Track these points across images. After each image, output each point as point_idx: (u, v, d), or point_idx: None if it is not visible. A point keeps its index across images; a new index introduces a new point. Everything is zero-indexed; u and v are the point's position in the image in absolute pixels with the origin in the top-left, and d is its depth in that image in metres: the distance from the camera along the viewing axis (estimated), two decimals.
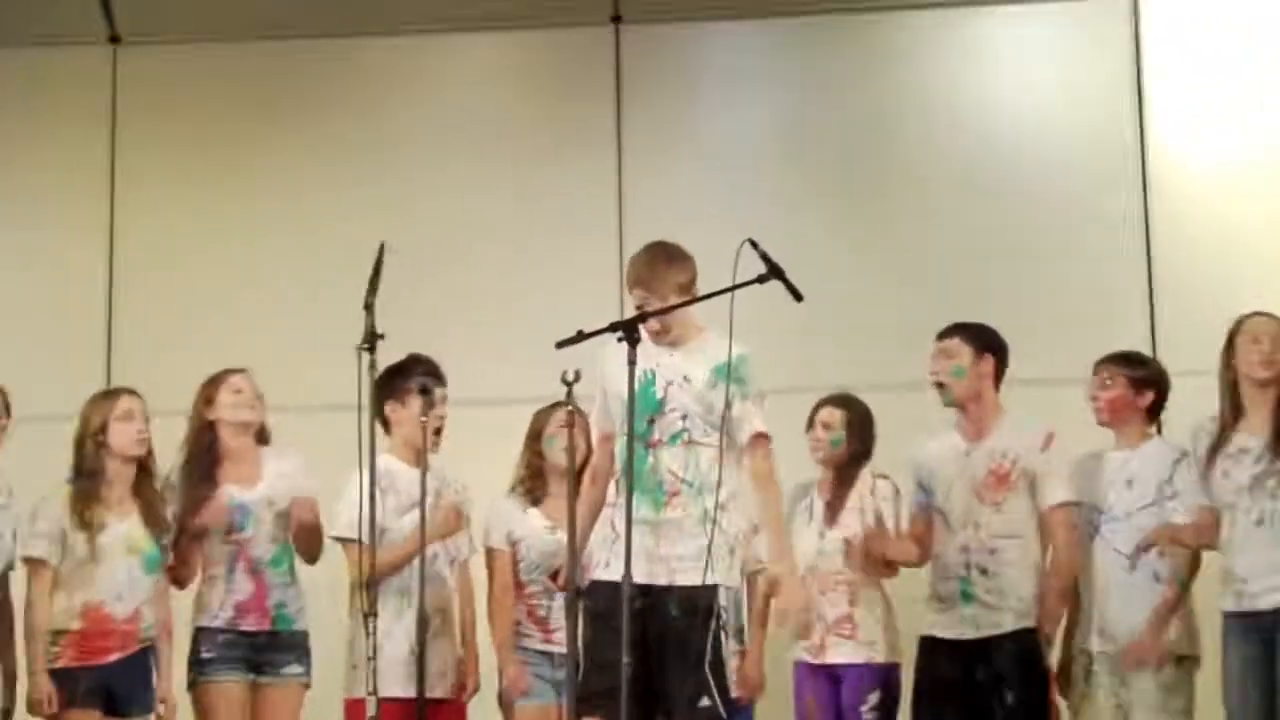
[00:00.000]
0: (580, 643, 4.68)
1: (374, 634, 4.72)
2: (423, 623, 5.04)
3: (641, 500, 4.53)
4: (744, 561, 5.02)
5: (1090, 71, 6.67)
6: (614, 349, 4.53)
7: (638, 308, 4.62)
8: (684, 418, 4.57)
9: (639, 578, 4.45)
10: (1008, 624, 5.17)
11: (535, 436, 5.60)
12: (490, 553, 5.56)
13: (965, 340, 5.33)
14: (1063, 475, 5.27)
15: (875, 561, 5.41)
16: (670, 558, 4.55)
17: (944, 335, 5.38)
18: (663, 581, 4.54)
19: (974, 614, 5.21)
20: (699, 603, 4.50)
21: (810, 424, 5.54)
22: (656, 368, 4.61)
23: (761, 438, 4.62)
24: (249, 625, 5.30)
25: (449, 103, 6.98)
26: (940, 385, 5.34)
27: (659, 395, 4.61)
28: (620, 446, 4.57)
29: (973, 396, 5.32)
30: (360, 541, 4.89)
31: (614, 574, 4.46)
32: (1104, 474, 5.29)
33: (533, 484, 5.56)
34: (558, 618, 5.41)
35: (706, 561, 4.46)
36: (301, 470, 5.44)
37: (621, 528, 4.42)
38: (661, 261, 4.65)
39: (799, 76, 6.85)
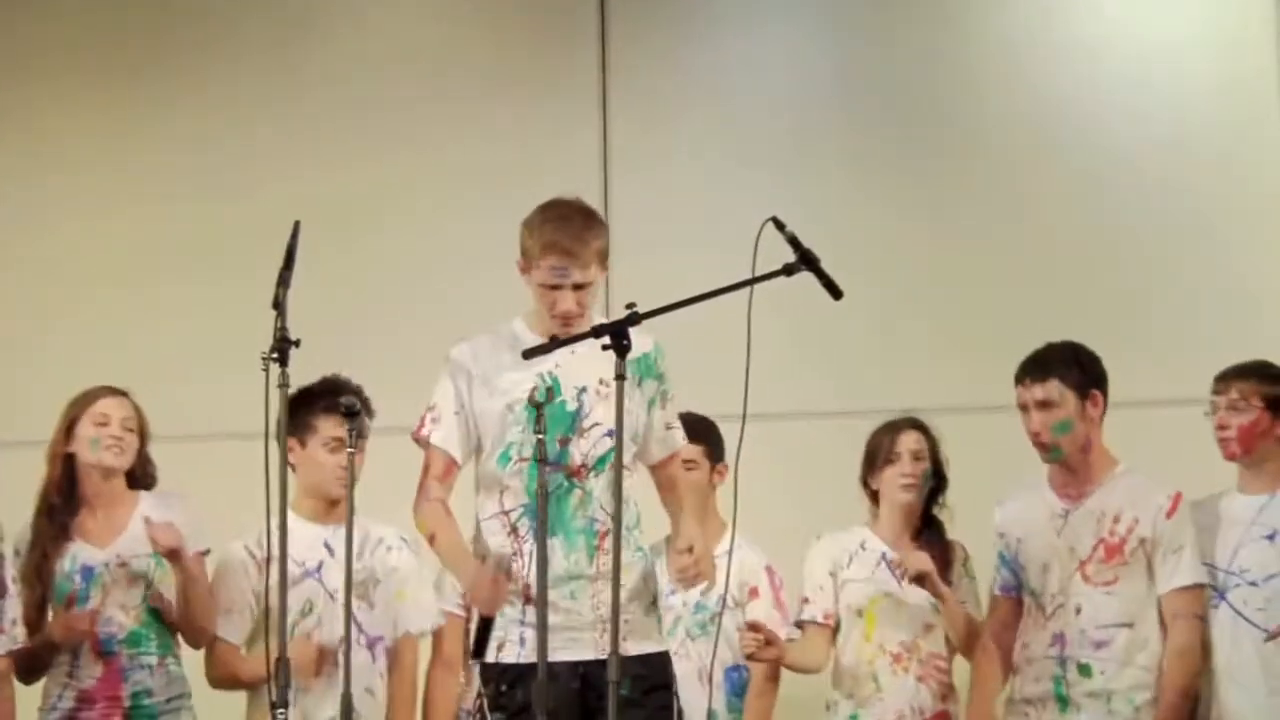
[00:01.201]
0: None
1: None
2: (347, 712, 4.73)
3: (566, 549, 4.40)
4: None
5: (1226, 12, 6.60)
6: (489, 342, 4.47)
7: (550, 287, 4.44)
8: (609, 434, 4.37)
9: (572, 653, 4.34)
10: None
11: None
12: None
13: (1065, 382, 5.13)
14: (1190, 549, 5.09)
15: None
16: (611, 621, 4.30)
17: (1033, 375, 5.16)
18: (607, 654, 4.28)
19: None
20: (654, 677, 4.39)
21: (885, 457, 5.39)
22: (556, 369, 4.43)
23: (680, 458, 4.64)
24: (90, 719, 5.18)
25: (383, 40, 6.99)
26: (1043, 445, 5.16)
27: (571, 406, 4.43)
28: (526, 479, 4.40)
29: (1080, 448, 5.17)
30: (266, 609, 4.70)
31: (534, 653, 4.24)
32: (1232, 524, 5.12)
33: None
34: None
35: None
36: (189, 523, 5.26)
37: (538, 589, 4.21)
38: (580, 222, 4.49)
39: (830, 7, 6.82)
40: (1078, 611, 5.10)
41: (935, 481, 5.41)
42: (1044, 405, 5.14)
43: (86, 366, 5.75)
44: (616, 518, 4.16)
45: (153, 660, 5.25)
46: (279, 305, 4.50)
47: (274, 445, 4.59)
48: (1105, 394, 5.20)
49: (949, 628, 5.30)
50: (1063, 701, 5.10)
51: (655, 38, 6.82)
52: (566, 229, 4.48)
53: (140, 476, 5.35)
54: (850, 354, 6.35)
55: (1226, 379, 5.18)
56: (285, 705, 4.49)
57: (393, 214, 6.76)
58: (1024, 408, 5.18)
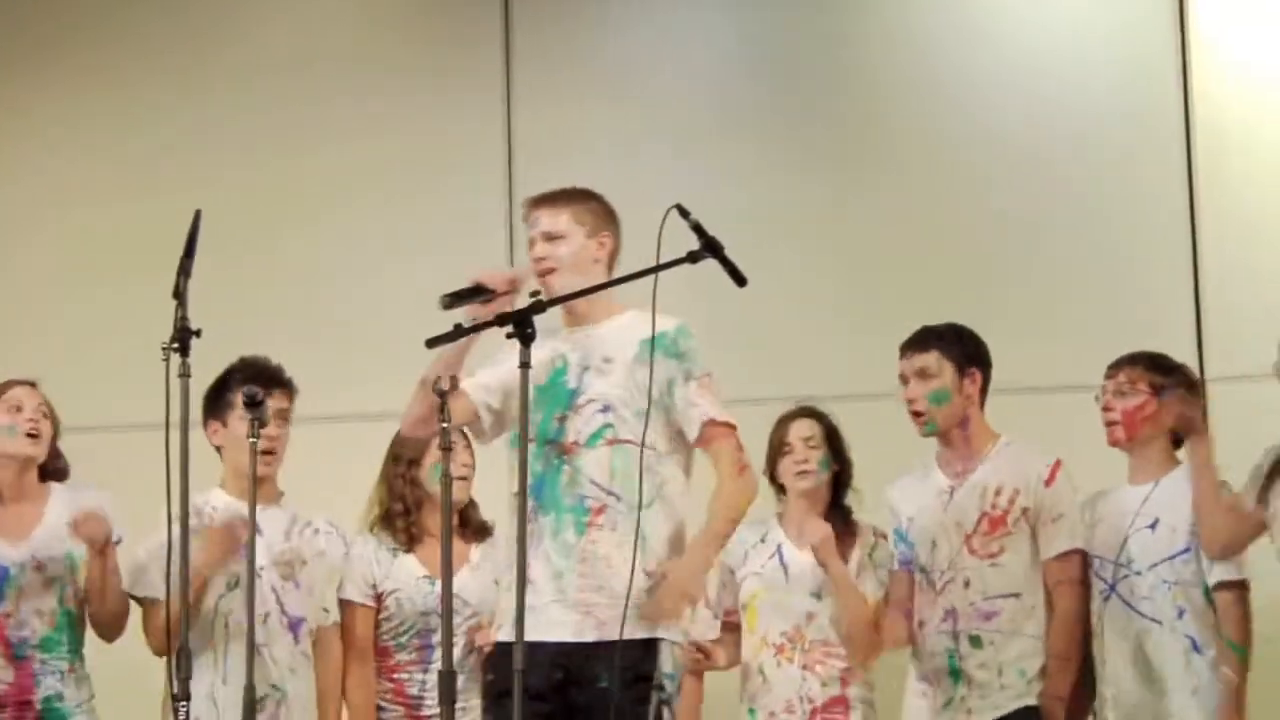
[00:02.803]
0: None
1: None
2: (250, 705, 4.73)
3: (556, 525, 4.42)
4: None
5: (1125, 5, 6.62)
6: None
7: (529, 243, 4.56)
8: (605, 409, 4.45)
9: (555, 635, 4.33)
10: (1006, 705, 5.08)
11: (407, 461, 5.44)
12: (346, 608, 5.41)
13: (945, 354, 5.21)
14: (1069, 516, 5.16)
15: (860, 646, 5.29)
16: (598, 604, 4.36)
17: (914, 347, 5.24)
18: (590, 637, 4.34)
19: (965, 696, 5.12)
20: (640, 667, 4.35)
21: (779, 448, 5.41)
22: (569, 352, 4.52)
23: (722, 426, 4.48)
24: None
25: (287, 35, 6.97)
26: (918, 414, 5.23)
27: (571, 385, 4.50)
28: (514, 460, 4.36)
29: (958, 423, 5.24)
30: (167, 600, 4.61)
31: (527, 634, 4.24)
32: (1121, 515, 5.17)
33: (405, 522, 5.43)
34: (433, 696, 5.23)
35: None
36: (83, 502, 5.22)
37: (535, 569, 4.27)
38: (559, 190, 4.60)
39: None
40: (966, 585, 5.14)
41: (838, 467, 5.41)
42: (922, 375, 5.20)
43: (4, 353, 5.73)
44: (521, 503, 4.12)
45: (64, 664, 5.22)
46: (179, 295, 4.49)
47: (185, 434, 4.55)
48: (985, 374, 5.26)
49: (837, 605, 5.27)
50: (955, 675, 5.14)
51: (559, 26, 6.81)
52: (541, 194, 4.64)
53: (52, 469, 5.32)
54: (760, 340, 6.35)
55: (1118, 365, 5.24)
56: (187, 698, 4.47)
57: (300, 208, 6.76)
58: (904, 379, 5.24)
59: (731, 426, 4.50)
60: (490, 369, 4.57)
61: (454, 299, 4.35)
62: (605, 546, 4.40)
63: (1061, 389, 5.99)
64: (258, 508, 4.95)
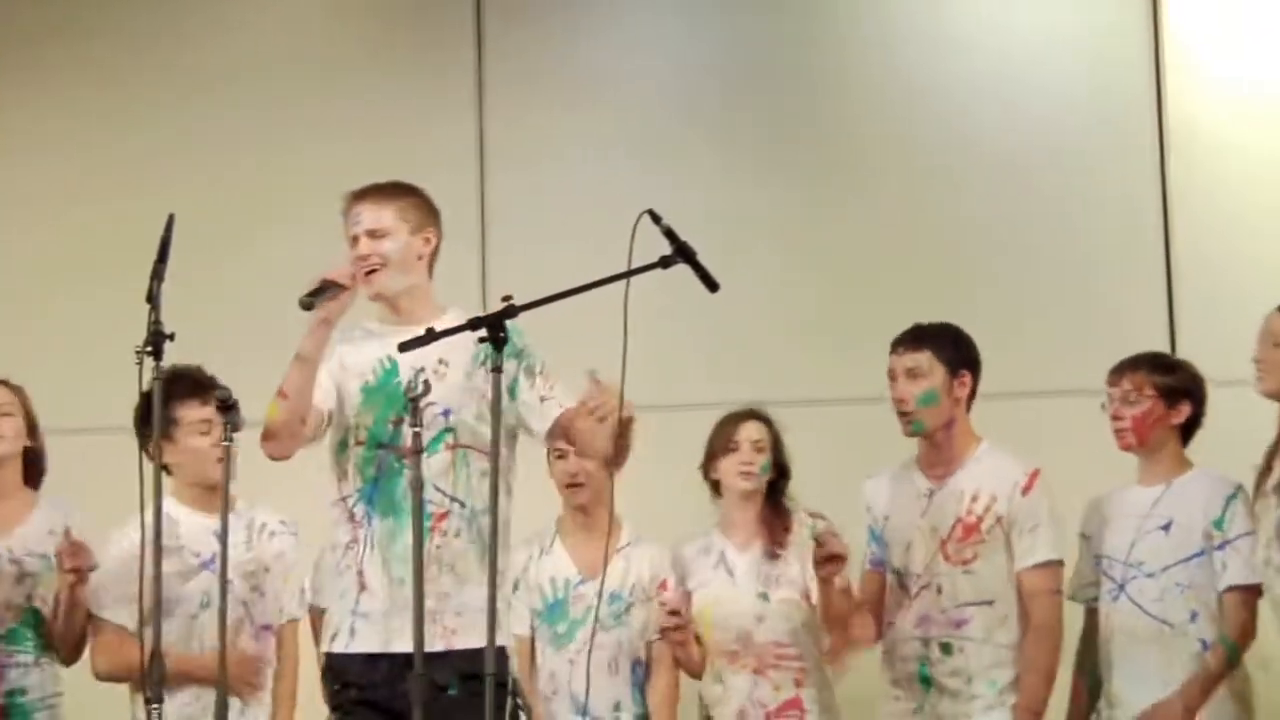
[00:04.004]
0: None
1: None
2: (222, 705, 4.68)
3: (395, 530, 4.35)
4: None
5: (1099, 8, 6.61)
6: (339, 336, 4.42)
7: (352, 240, 4.50)
8: (445, 413, 4.36)
9: (396, 644, 4.27)
10: (976, 716, 5.08)
11: None
12: (317, 616, 5.28)
13: (938, 355, 5.18)
14: (1046, 526, 5.12)
15: (830, 639, 5.26)
16: (443, 611, 4.30)
17: (906, 345, 5.20)
18: (439, 646, 4.26)
19: (935, 704, 5.11)
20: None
21: (724, 446, 5.36)
22: (397, 354, 4.35)
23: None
24: None
25: (257, 37, 6.93)
26: (905, 413, 5.20)
27: (405, 388, 4.33)
28: (361, 463, 4.38)
29: (944, 424, 5.21)
30: (140, 612, 4.63)
31: (363, 644, 4.30)
32: (1130, 516, 5.15)
33: None
34: None
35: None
36: (69, 517, 5.20)
37: (372, 576, 4.26)
38: (380, 184, 4.55)
39: None
40: (939, 591, 5.13)
41: (776, 473, 5.38)
42: (912, 374, 5.17)
43: None
44: (494, 509, 4.11)
45: (29, 658, 5.18)
46: (153, 299, 4.48)
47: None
48: (975, 377, 5.23)
49: (822, 612, 5.23)
50: (926, 682, 5.13)
51: (531, 30, 6.78)
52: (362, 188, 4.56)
53: (31, 469, 5.29)
54: (729, 345, 6.35)
55: (1120, 371, 5.21)
56: (160, 700, 4.47)
57: (268, 211, 6.68)
58: (893, 376, 5.21)
59: None
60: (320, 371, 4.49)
61: (311, 298, 4.32)
62: (449, 553, 4.35)
63: (1036, 394, 6.01)
64: (214, 518, 4.85)
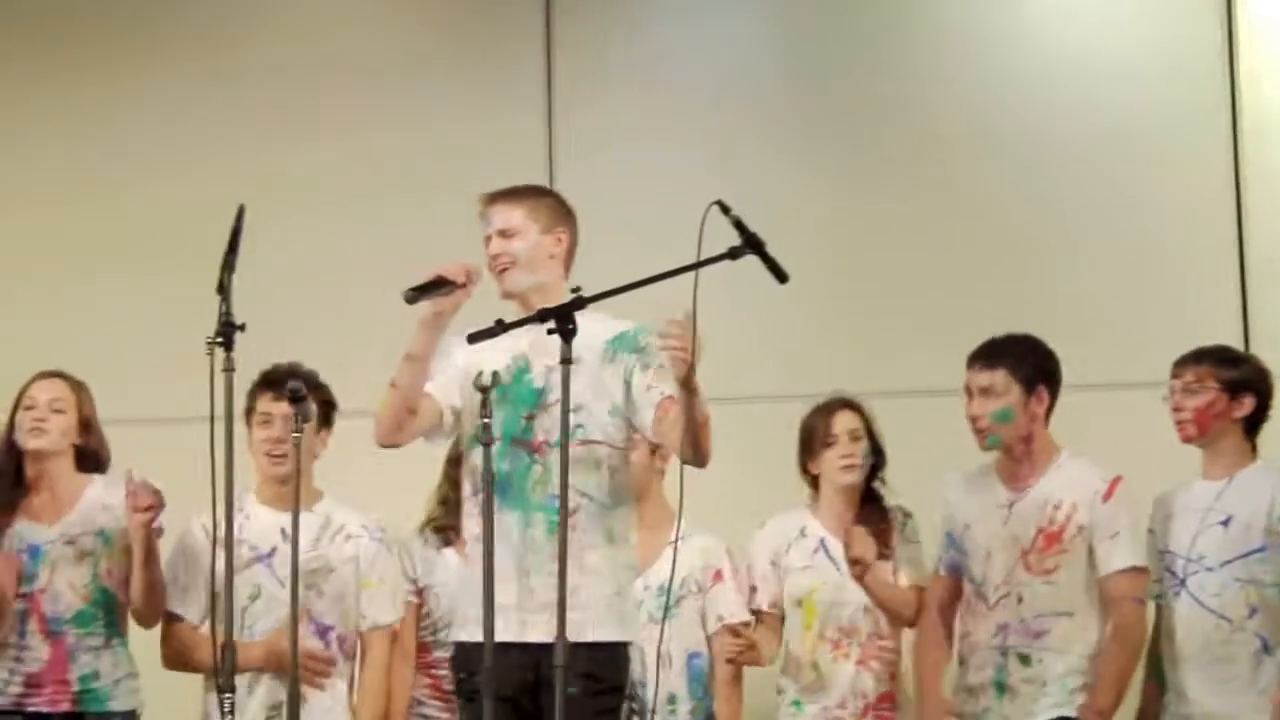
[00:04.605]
0: None
1: (230, 714, 4.51)
2: (294, 698, 4.71)
3: (524, 523, 4.40)
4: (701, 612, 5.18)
5: (1173, 3, 6.58)
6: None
7: (485, 240, 4.55)
8: (575, 409, 4.33)
9: (527, 636, 4.32)
10: (1041, 713, 5.05)
11: (455, 461, 5.37)
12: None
13: (1013, 373, 5.12)
14: (1128, 533, 5.08)
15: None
16: (569, 604, 4.23)
17: (982, 362, 5.15)
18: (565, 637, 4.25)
19: (1004, 707, 5.10)
20: (609, 671, 4.33)
21: (822, 440, 5.38)
22: (529, 349, 4.46)
23: (674, 399, 4.38)
24: (40, 704, 5.13)
25: (327, 23, 6.95)
26: (980, 430, 5.15)
27: (538, 384, 4.46)
28: (477, 458, 4.37)
29: (1022, 438, 5.16)
30: (212, 594, 4.73)
31: (495, 633, 4.27)
32: (1192, 510, 5.11)
33: (448, 520, 5.39)
34: None
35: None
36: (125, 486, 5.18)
37: (501, 564, 4.24)
38: (511, 187, 4.62)
39: None
40: (1020, 601, 5.09)
41: (874, 459, 5.40)
42: (986, 392, 5.12)
43: (37, 353, 5.72)
44: (564, 503, 4.12)
45: (100, 641, 5.21)
46: (224, 289, 4.52)
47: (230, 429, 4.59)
48: (1053, 390, 5.18)
49: (884, 610, 5.28)
50: (1000, 688, 5.11)
51: (600, 20, 6.79)
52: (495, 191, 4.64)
53: (90, 458, 5.32)
54: (796, 337, 6.34)
55: (1184, 363, 5.17)
56: (232, 690, 4.53)
57: (339, 198, 6.70)
58: (969, 392, 5.17)
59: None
60: (442, 368, 4.54)
61: (417, 293, 4.34)
62: (576, 547, 4.32)
63: (1107, 386, 5.97)
64: (286, 514, 4.88)
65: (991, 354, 5.17)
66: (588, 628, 4.31)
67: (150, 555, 5.16)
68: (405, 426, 4.46)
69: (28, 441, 5.23)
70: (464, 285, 4.39)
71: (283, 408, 5.11)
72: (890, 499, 5.41)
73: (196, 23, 6.93)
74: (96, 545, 5.22)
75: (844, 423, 5.37)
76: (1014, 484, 5.18)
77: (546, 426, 4.42)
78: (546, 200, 4.68)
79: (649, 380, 4.46)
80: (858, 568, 5.13)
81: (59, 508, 5.24)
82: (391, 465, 5.45)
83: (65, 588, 5.18)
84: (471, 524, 4.50)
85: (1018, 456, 5.18)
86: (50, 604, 5.17)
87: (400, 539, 5.50)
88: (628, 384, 4.48)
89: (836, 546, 5.31)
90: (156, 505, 5.08)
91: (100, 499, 5.25)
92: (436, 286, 4.36)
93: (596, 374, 4.46)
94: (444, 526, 5.45)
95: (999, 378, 5.13)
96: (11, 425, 5.27)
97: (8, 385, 5.39)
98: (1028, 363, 5.16)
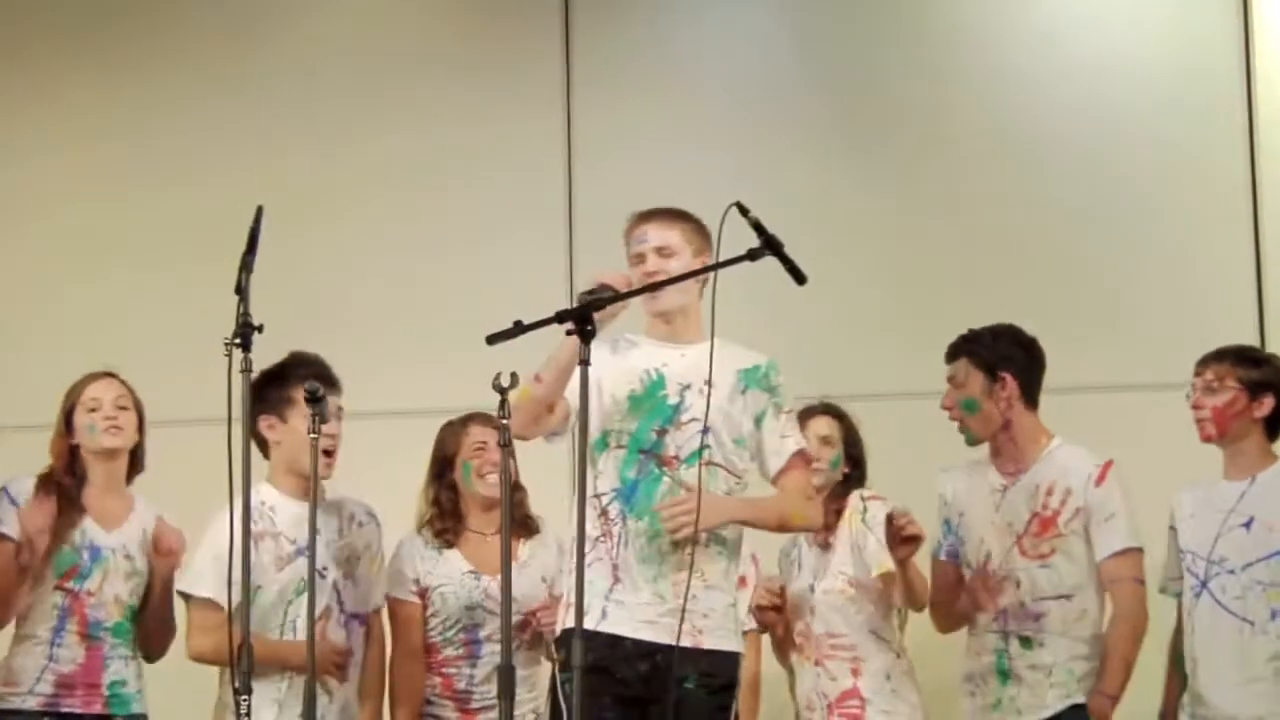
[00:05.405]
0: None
1: (247, 716, 4.49)
2: (310, 700, 4.70)
3: (651, 531, 4.52)
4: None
5: (1189, 3, 6.57)
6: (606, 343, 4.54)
7: (636, 256, 4.65)
8: (704, 432, 4.54)
9: (649, 635, 4.48)
10: (1055, 704, 5.05)
11: (444, 462, 5.45)
12: (393, 605, 5.40)
13: (972, 362, 5.19)
14: (1122, 514, 5.08)
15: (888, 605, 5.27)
16: (691, 612, 4.48)
17: (947, 355, 5.24)
18: (687, 642, 4.45)
19: (1014, 696, 5.09)
20: (722, 677, 4.52)
21: None
22: (664, 368, 4.61)
23: (804, 455, 4.69)
24: (73, 706, 5.11)
25: (347, 26, 6.98)
26: (955, 421, 5.21)
27: (673, 400, 4.59)
28: (620, 465, 4.56)
29: (1000, 427, 5.19)
30: (229, 598, 4.68)
31: (614, 626, 4.47)
32: (1215, 511, 5.08)
33: (444, 524, 5.43)
34: (483, 691, 5.30)
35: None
36: (160, 513, 5.28)
37: (626, 567, 4.46)
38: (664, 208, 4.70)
39: None
40: (1017, 585, 5.12)
41: (849, 469, 5.38)
42: (952, 383, 5.22)
43: (62, 354, 5.74)
44: (580, 512, 4.08)
45: (128, 652, 5.24)
46: (241, 290, 4.52)
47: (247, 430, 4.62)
48: (1024, 376, 5.20)
49: (909, 591, 5.23)
50: (1004, 675, 5.13)
51: (619, 22, 6.82)
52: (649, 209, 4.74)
53: (139, 460, 5.33)
54: (814, 338, 6.33)
55: (1205, 362, 5.15)
56: (249, 691, 4.50)
57: (360, 199, 6.73)
58: (948, 388, 5.25)
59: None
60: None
61: (588, 297, 4.35)
62: (699, 559, 4.50)
63: (1122, 388, 5.97)
64: (300, 504, 4.97)
65: (954, 346, 5.26)
66: (708, 635, 4.53)
67: (166, 594, 5.21)
68: (541, 422, 4.60)
69: (104, 441, 5.20)
70: (627, 295, 4.45)
71: (335, 403, 5.12)
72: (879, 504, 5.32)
73: (222, 29, 7.00)
74: (141, 567, 5.25)
75: (817, 427, 5.33)
76: (1006, 471, 5.21)
77: (679, 443, 4.56)
78: (697, 225, 4.73)
79: (782, 429, 4.66)
80: (908, 548, 5.13)
81: (117, 515, 5.24)
82: (392, 465, 5.50)
83: (111, 598, 5.19)
84: (591, 526, 4.53)
85: (1002, 445, 5.21)
86: (95, 610, 5.16)
87: (400, 539, 5.48)
88: (757, 422, 4.64)
89: (806, 551, 5.36)
90: (179, 551, 5.16)
91: (142, 521, 5.26)
92: (600, 294, 4.39)
93: (726, 403, 4.59)
94: (443, 529, 5.43)
95: (960, 368, 5.21)
96: (68, 426, 5.24)
97: (25, 385, 5.38)
98: (990, 350, 5.20)
